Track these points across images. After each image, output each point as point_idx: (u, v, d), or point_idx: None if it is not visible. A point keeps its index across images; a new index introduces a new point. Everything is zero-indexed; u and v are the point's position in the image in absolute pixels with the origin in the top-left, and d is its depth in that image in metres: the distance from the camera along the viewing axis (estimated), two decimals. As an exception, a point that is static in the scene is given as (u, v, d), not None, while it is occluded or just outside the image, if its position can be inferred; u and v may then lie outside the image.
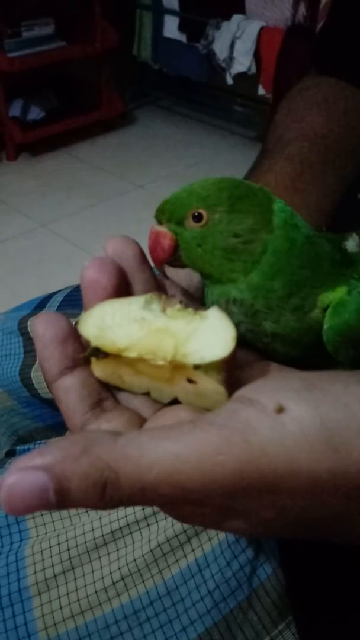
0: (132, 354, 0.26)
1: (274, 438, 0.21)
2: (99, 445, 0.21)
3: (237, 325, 0.30)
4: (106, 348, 0.26)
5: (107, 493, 0.21)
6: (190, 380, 0.26)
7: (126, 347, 0.26)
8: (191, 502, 0.23)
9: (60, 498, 0.21)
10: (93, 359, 0.27)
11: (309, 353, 0.31)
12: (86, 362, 0.28)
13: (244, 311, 0.30)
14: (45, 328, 0.27)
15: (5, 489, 0.20)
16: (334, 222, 0.46)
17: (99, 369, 0.28)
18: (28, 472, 0.20)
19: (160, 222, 0.32)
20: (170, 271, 0.36)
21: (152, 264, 0.32)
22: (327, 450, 0.21)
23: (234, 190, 0.30)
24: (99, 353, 0.27)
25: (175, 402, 0.28)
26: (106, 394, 0.28)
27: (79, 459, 0.21)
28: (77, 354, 0.27)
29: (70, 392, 0.27)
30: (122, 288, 0.29)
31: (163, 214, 0.31)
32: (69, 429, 0.27)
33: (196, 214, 0.30)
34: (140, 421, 0.27)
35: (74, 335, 0.27)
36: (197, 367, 0.25)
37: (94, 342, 0.26)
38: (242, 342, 0.31)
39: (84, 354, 0.27)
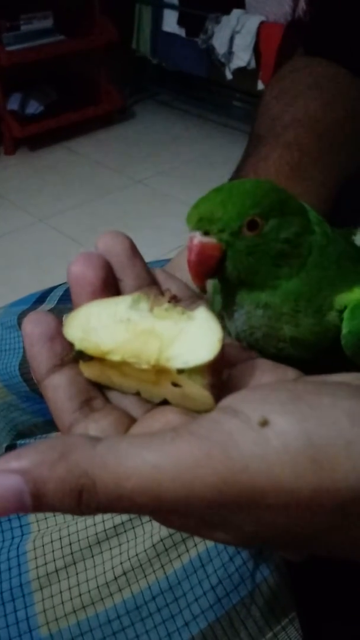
0: (116, 358, 0.26)
1: (256, 453, 0.21)
2: (77, 451, 0.21)
3: (254, 330, 0.30)
4: (90, 351, 0.26)
5: (83, 500, 0.21)
6: (175, 384, 0.26)
7: (110, 350, 0.26)
8: (170, 513, 0.22)
9: (36, 502, 0.20)
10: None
11: (322, 356, 0.30)
12: (75, 361, 0.27)
13: (269, 315, 0.29)
14: (33, 326, 0.27)
15: None
16: (336, 213, 0.45)
17: (87, 370, 0.27)
18: (4, 475, 0.20)
19: (206, 233, 0.28)
20: (170, 267, 0.36)
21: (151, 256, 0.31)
22: (311, 467, 0.20)
23: (278, 193, 0.29)
24: (84, 356, 0.26)
25: (166, 400, 0.27)
26: (95, 392, 0.28)
27: (56, 464, 0.21)
28: (64, 353, 0.27)
29: (58, 390, 0.27)
30: (110, 282, 0.29)
31: (213, 224, 0.28)
32: (57, 427, 0.27)
33: (251, 221, 0.28)
34: (129, 422, 0.27)
35: (63, 333, 0.27)
36: (180, 371, 0.25)
37: (78, 345, 0.26)
38: (252, 347, 0.31)
39: (68, 357, 0.27)
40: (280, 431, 0.21)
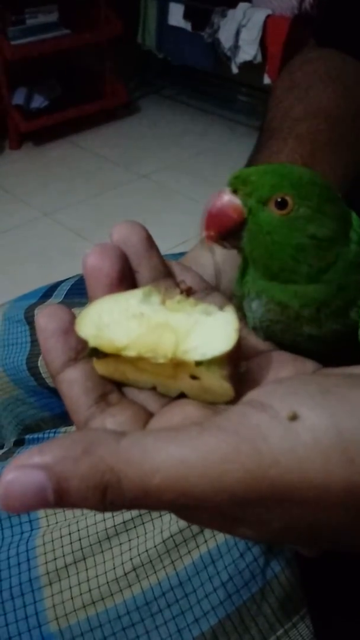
0: (132, 353, 0.25)
1: (286, 447, 0.20)
2: (102, 446, 0.21)
3: (270, 323, 0.29)
4: (105, 348, 0.25)
5: (107, 496, 0.20)
6: (193, 377, 0.25)
7: (125, 346, 0.25)
8: (196, 509, 0.22)
9: (59, 498, 0.20)
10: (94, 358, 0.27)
11: (339, 349, 0.30)
12: (89, 358, 0.27)
13: (287, 314, 0.28)
14: (47, 320, 0.26)
15: (3, 486, 0.20)
16: (350, 206, 0.44)
17: (101, 367, 0.27)
18: (27, 470, 0.20)
19: (235, 191, 0.28)
20: (185, 260, 0.35)
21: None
22: (342, 461, 0.20)
23: (325, 190, 0.28)
24: (99, 353, 0.26)
25: (182, 394, 0.27)
26: (111, 386, 0.27)
27: (79, 460, 0.20)
28: (79, 347, 0.26)
29: (74, 385, 0.26)
30: (126, 274, 0.28)
31: (245, 185, 0.27)
32: (73, 423, 0.27)
33: (280, 199, 0.27)
34: (146, 416, 0.26)
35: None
36: (198, 363, 0.24)
37: (92, 343, 0.25)
38: (269, 338, 0.30)
39: (83, 355, 0.26)
40: (310, 425, 0.20)
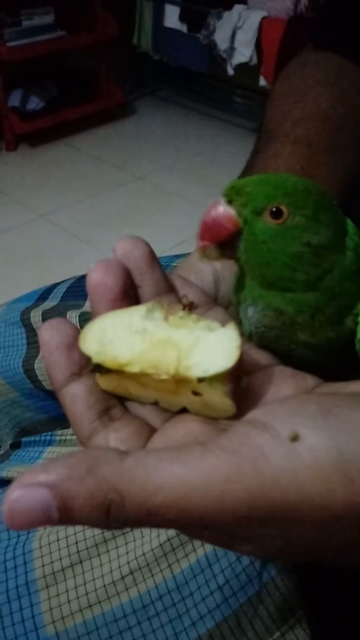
0: (135, 369, 0.25)
1: (286, 468, 0.20)
2: (105, 465, 0.21)
3: (267, 329, 0.29)
4: (108, 364, 0.26)
5: (111, 514, 0.20)
6: (195, 393, 0.25)
7: (128, 362, 0.25)
8: (198, 527, 0.22)
9: (64, 516, 0.20)
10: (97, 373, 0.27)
11: (336, 358, 0.30)
12: (93, 373, 0.27)
13: (283, 320, 0.29)
14: (50, 335, 0.27)
15: (8, 504, 0.20)
16: (346, 211, 0.44)
17: (104, 382, 0.27)
18: (32, 488, 0.20)
19: (230, 202, 0.28)
20: (181, 270, 0.35)
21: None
22: (342, 481, 0.20)
23: (320, 198, 0.28)
24: (102, 369, 0.26)
25: (184, 408, 0.27)
26: (114, 401, 0.27)
27: (84, 479, 0.20)
28: (83, 362, 0.26)
29: (77, 399, 0.26)
30: (130, 289, 0.29)
31: (240, 196, 0.28)
32: (76, 437, 0.27)
33: (275, 209, 0.27)
34: (149, 431, 0.26)
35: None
36: (201, 380, 0.24)
37: (95, 359, 0.26)
38: (264, 345, 0.30)
39: (86, 370, 0.26)
40: (310, 446, 0.21)
